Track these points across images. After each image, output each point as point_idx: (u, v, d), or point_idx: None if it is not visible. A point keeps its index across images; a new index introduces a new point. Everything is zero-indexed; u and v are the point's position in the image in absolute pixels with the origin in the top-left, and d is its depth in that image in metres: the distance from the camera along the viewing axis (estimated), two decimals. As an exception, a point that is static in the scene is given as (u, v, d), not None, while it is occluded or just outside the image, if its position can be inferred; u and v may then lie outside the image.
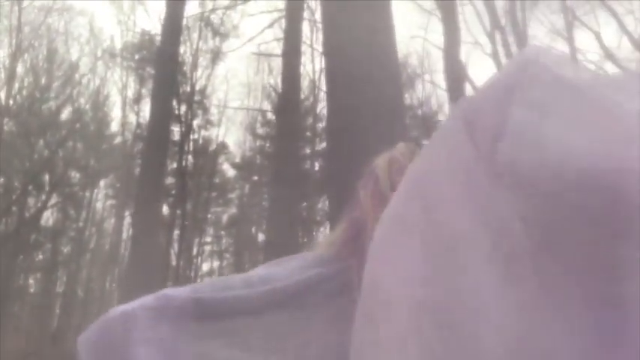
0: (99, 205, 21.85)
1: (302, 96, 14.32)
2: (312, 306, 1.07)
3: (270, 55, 15.84)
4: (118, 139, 20.59)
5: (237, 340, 1.05)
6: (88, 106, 19.28)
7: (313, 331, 1.05)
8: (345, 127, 3.77)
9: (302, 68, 12.38)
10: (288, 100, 10.44)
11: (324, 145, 18.35)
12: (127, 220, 19.58)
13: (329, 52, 4.39)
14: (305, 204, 17.35)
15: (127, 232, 19.79)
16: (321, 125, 18.69)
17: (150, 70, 17.16)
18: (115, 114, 21.14)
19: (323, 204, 18.60)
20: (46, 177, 18.26)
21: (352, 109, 3.75)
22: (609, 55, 16.36)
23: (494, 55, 16.19)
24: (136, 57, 18.31)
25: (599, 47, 16.68)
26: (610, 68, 16.85)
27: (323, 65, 16.77)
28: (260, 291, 1.08)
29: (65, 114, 18.80)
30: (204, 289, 1.12)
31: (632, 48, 16.06)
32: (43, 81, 18.31)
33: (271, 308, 1.07)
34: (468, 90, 14.10)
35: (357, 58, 3.86)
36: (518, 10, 15.84)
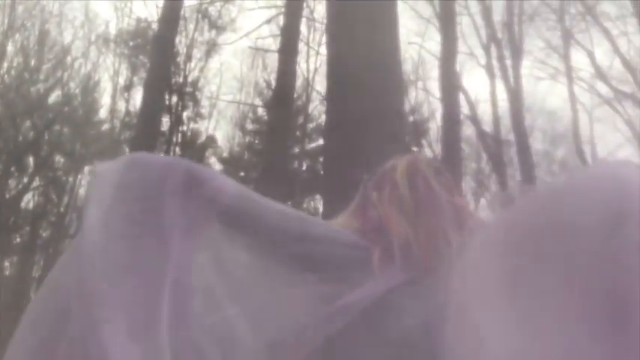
0: (82, 191, 21.59)
1: (295, 95, 14.27)
2: (331, 259, 1.01)
3: (266, 51, 15.78)
4: (106, 126, 20.37)
5: (252, 252, 0.99)
6: (77, 91, 19.06)
7: (310, 280, 1.00)
8: (343, 127, 3.75)
9: (297, 67, 12.32)
10: (281, 96, 10.39)
11: (313, 145, 18.35)
12: (110, 208, 19.31)
13: (331, 47, 4.37)
14: (291, 203, 17.31)
15: (108, 220, 19.53)
16: (311, 125, 18.68)
17: (143, 58, 17.01)
18: (105, 100, 20.90)
19: (308, 204, 18.59)
20: (30, 159, 18.03)
21: (352, 109, 3.73)
22: (601, 75, 16.56)
23: (489, 68, 16.29)
24: (130, 44, 18.13)
25: (592, 66, 16.89)
26: (601, 88, 17.10)
27: (318, 65, 16.77)
28: (292, 214, 1.02)
29: (53, 97, 18.58)
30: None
31: (623, 69, 16.28)
32: (33, 62, 18.06)
33: (296, 238, 1.00)
34: (462, 100, 14.18)
35: (360, 57, 3.85)
36: (515, 24, 15.96)
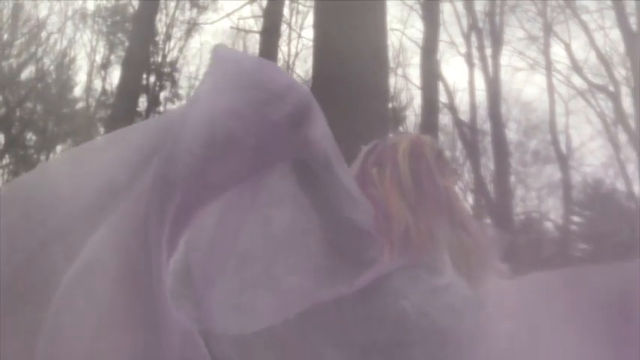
0: (54, 171, 21.16)
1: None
2: (356, 243, 1.05)
3: (248, 32, 15.61)
4: (81, 105, 19.97)
5: (297, 213, 1.03)
6: (52, 67, 18.61)
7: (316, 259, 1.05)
8: (329, 109, 3.75)
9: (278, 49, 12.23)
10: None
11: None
12: (84, 188, 19.02)
13: (319, 28, 4.36)
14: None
15: (82, 200, 19.23)
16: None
17: (121, 36, 16.69)
18: (80, 78, 20.44)
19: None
20: (1, 136, 17.63)
21: (338, 91, 3.73)
22: (577, 68, 16.81)
23: (468, 57, 16.41)
24: (109, 21, 17.73)
25: (568, 59, 17.13)
26: (576, 80, 17.37)
27: (299, 49, 16.67)
28: (353, 194, 1.04)
29: (27, 73, 18.11)
30: None
31: (597, 62, 16.54)
32: (5, 37, 17.57)
33: (342, 219, 1.03)
34: (441, 89, 14.27)
35: (348, 40, 3.85)
36: (496, 14, 16.07)
